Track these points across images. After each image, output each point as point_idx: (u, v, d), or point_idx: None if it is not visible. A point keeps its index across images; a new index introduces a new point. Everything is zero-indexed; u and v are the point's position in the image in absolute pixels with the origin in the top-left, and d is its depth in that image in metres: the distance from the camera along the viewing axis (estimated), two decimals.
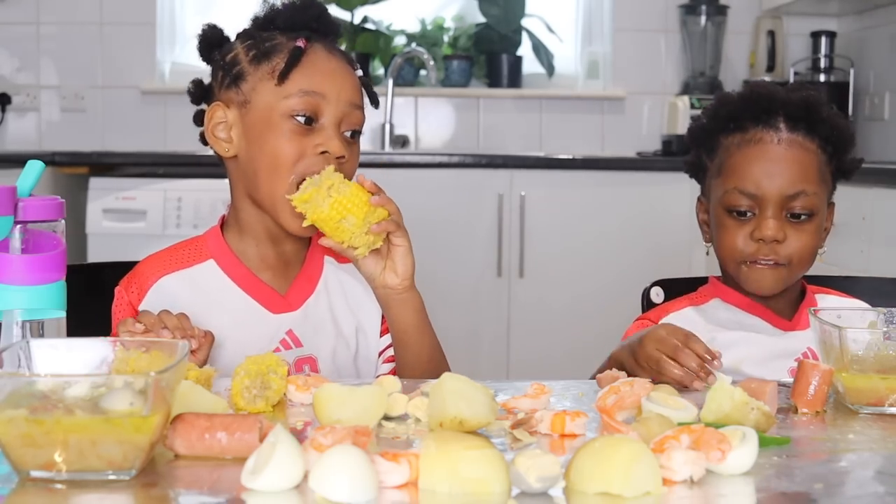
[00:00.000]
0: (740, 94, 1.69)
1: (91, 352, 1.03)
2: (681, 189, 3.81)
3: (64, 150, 3.83)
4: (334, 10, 4.36)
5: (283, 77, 1.49)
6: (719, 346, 1.42)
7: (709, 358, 1.30)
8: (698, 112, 4.16)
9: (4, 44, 4.33)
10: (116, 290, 1.55)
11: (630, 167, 3.88)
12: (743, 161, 1.63)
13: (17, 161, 3.24)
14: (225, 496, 0.88)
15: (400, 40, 4.48)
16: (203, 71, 1.65)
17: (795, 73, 4.25)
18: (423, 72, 4.43)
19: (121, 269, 1.62)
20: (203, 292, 1.52)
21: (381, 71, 4.45)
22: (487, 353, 3.77)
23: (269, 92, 1.50)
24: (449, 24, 4.54)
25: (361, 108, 1.54)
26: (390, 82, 4.28)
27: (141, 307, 1.51)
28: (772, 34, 4.33)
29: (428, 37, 4.48)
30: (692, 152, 1.78)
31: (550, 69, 4.43)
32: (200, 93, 1.61)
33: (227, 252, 1.56)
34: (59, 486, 0.88)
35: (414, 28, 4.49)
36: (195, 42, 1.67)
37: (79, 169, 3.76)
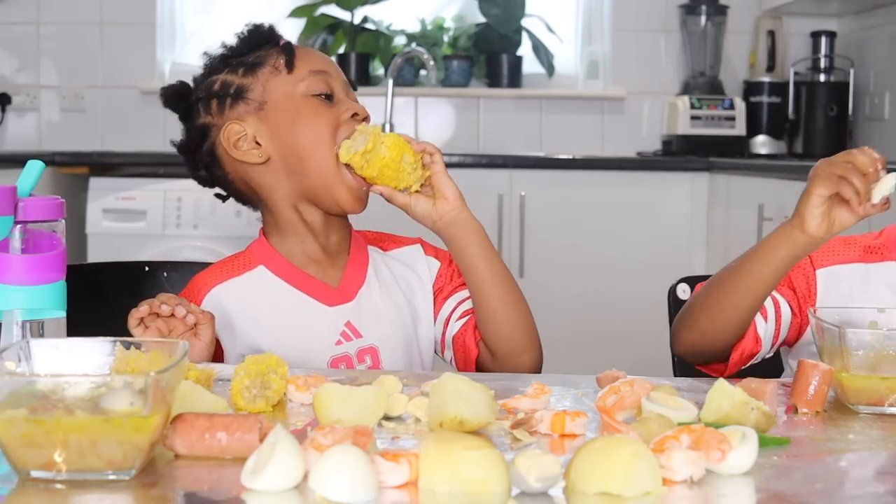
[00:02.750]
0: None
1: (91, 352, 1.03)
2: (681, 189, 3.82)
3: (64, 150, 3.83)
4: (334, 10, 4.36)
5: (290, 65, 1.55)
6: None
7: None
8: (698, 112, 4.16)
9: (4, 44, 4.34)
10: None
11: (630, 167, 3.88)
12: None
13: (17, 161, 3.25)
14: (225, 496, 0.88)
15: (400, 40, 4.48)
16: (199, 71, 1.65)
17: (795, 73, 4.25)
18: (423, 72, 4.43)
19: (121, 269, 1.62)
20: (258, 297, 1.54)
21: (381, 71, 4.45)
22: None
23: (282, 83, 1.54)
24: (449, 24, 4.54)
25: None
26: (390, 82, 4.28)
27: None
28: (772, 34, 4.33)
29: (428, 37, 4.48)
30: None
31: (550, 69, 4.43)
32: (201, 134, 1.60)
33: (275, 255, 1.57)
34: (59, 486, 0.88)
35: (414, 28, 4.49)
36: (201, 43, 1.69)
37: (79, 169, 3.76)
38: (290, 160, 1.53)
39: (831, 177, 1.35)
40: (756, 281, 1.43)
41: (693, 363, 1.56)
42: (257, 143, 1.54)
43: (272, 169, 1.55)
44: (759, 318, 1.49)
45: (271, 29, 1.62)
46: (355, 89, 1.62)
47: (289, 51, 1.56)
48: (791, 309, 1.52)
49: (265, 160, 1.54)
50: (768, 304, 1.49)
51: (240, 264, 1.58)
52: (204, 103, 1.59)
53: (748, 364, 1.53)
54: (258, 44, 1.59)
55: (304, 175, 1.53)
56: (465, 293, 1.60)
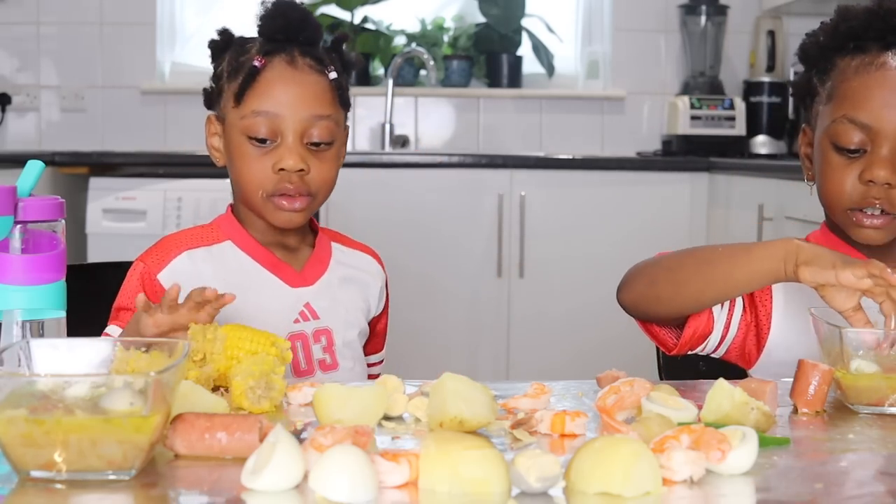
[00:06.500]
0: (866, 10, 1.46)
1: (91, 352, 1.03)
2: (681, 189, 3.82)
3: (64, 150, 3.83)
4: (334, 10, 4.36)
5: (238, 99, 1.55)
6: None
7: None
8: (698, 112, 4.16)
9: (4, 44, 4.33)
10: (134, 262, 1.58)
11: (630, 167, 3.88)
12: (860, 87, 1.42)
13: (17, 161, 3.25)
14: (225, 496, 0.88)
15: (400, 40, 4.48)
16: (201, 71, 1.67)
17: (795, 73, 4.25)
18: (423, 72, 4.43)
19: (121, 270, 1.62)
20: (225, 268, 1.58)
21: (381, 71, 4.45)
22: (487, 353, 3.76)
23: (231, 113, 1.57)
24: (449, 24, 4.53)
25: (327, 116, 1.56)
26: (390, 82, 4.28)
27: (160, 276, 1.54)
28: (772, 34, 4.33)
29: (428, 37, 4.48)
30: (802, 72, 1.54)
31: (550, 69, 4.43)
32: (208, 99, 1.67)
33: (243, 233, 1.61)
34: (59, 486, 0.88)
35: (414, 28, 4.49)
36: (201, 43, 1.70)
37: (79, 169, 3.76)
38: (232, 178, 1.61)
39: (882, 294, 1.24)
40: (730, 284, 1.39)
41: (633, 316, 1.51)
42: (220, 146, 1.62)
43: (230, 173, 1.62)
44: None
45: (289, 25, 1.58)
46: (347, 108, 1.61)
47: (246, 78, 1.54)
48: (744, 304, 1.49)
49: (223, 164, 1.62)
50: None
51: (207, 236, 1.61)
52: (214, 73, 1.64)
53: (697, 349, 1.49)
54: (267, 30, 1.59)
55: (240, 198, 1.61)
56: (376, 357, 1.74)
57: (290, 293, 1.59)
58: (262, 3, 1.62)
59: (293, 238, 1.63)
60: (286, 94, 1.54)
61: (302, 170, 1.53)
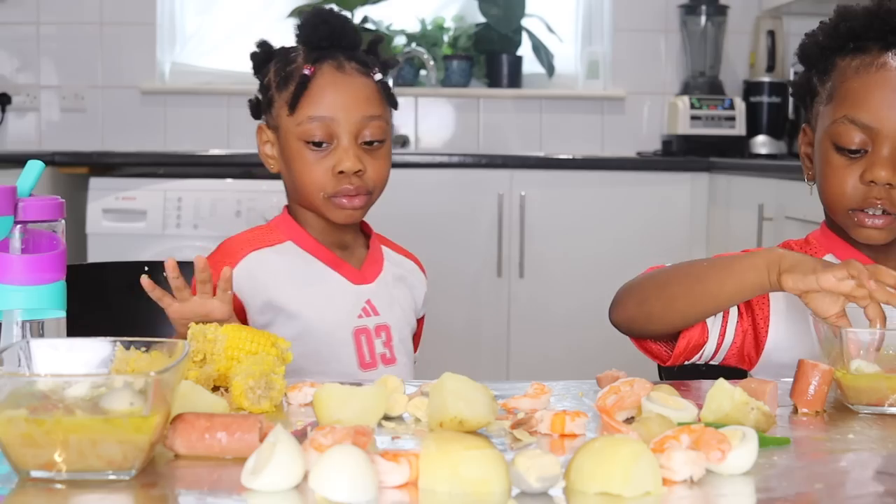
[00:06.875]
0: (866, 10, 1.45)
1: (91, 352, 1.03)
2: (681, 189, 3.82)
3: (64, 150, 3.83)
4: None
5: (291, 107, 1.61)
6: None
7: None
8: (698, 112, 4.16)
9: (4, 44, 4.33)
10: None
11: (630, 167, 3.88)
12: (860, 87, 1.42)
13: (17, 161, 3.25)
14: (225, 496, 0.88)
15: (400, 40, 4.48)
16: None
17: (795, 73, 4.25)
18: (423, 72, 4.43)
19: (121, 269, 1.62)
20: (290, 267, 1.63)
21: None
22: (487, 353, 3.77)
23: (286, 120, 1.63)
24: (449, 24, 4.53)
25: (378, 116, 1.63)
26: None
27: (235, 273, 1.56)
28: (772, 34, 4.33)
29: (428, 37, 4.48)
30: (802, 72, 1.53)
31: (550, 69, 4.43)
32: (255, 109, 1.73)
33: (303, 232, 1.67)
34: (59, 486, 0.88)
35: (414, 28, 4.49)
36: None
37: (79, 169, 3.76)
38: (289, 184, 1.67)
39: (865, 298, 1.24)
40: (718, 298, 1.39)
41: (626, 334, 1.51)
42: (275, 154, 1.67)
43: (285, 178, 1.67)
44: None
45: (332, 33, 1.64)
46: (394, 107, 1.68)
47: (299, 87, 1.60)
48: (740, 310, 1.48)
49: (278, 171, 1.67)
50: None
51: (268, 237, 1.66)
52: (260, 87, 1.69)
53: (692, 359, 1.49)
54: (309, 39, 1.64)
55: (299, 201, 1.66)
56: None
57: (353, 290, 1.65)
58: (299, 11, 1.66)
59: (349, 237, 1.69)
60: (338, 99, 1.61)
61: (359, 170, 1.60)
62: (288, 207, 1.70)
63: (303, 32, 1.65)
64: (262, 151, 1.69)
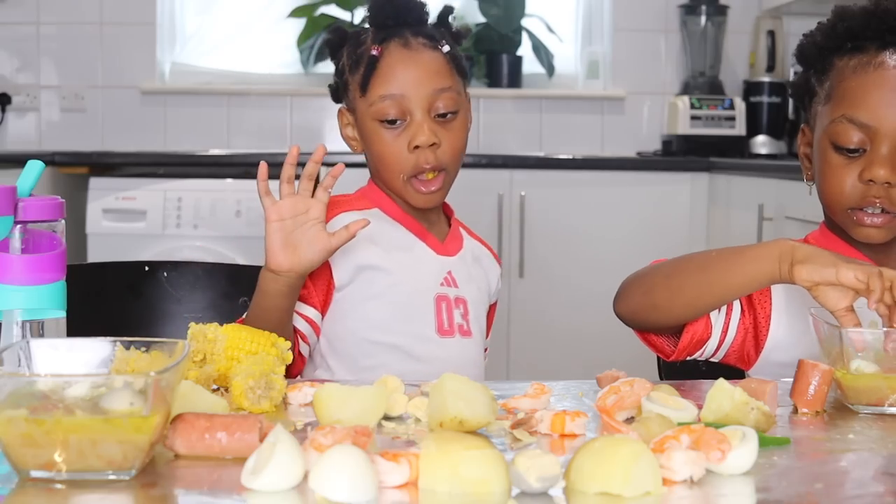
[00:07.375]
0: (863, 9, 1.46)
1: (91, 352, 1.03)
2: (681, 189, 3.82)
3: (64, 150, 3.83)
4: (334, 11, 4.36)
5: (363, 89, 1.64)
6: None
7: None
8: (698, 112, 4.16)
9: (4, 44, 4.34)
10: None
11: (630, 167, 3.88)
12: (858, 86, 1.43)
13: (17, 161, 3.25)
14: (225, 496, 0.88)
15: None
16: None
17: (795, 73, 4.24)
18: None
19: (121, 269, 1.62)
20: (378, 230, 1.64)
21: None
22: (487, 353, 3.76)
23: (360, 102, 1.65)
24: None
25: (449, 88, 1.65)
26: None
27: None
28: (772, 34, 4.33)
29: None
30: (801, 73, 1.55)
31: (550, 69, 4.43)
32: (335, 94, 1.75)
33: (389, 201, 1.69)
34: (59, 486, 0.88)
35: None
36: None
37: (79, 169, 3.76)
38: (370, 163, 1.70)
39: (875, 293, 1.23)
40: (726, 288, 1.39)
41: (630, 327, 1.52)
42: (356, 135, 1.70)
43: (367, 158, 1.70)
44: None
45: (398, 12, 1.65)
46: (464, 77, 1.70)
47: (368, 68, 1.63)
48: (742, 307, 1.49)
49: (360, 151, 1.70)
50: None
51: (356, 202, 1.69)
52: (335, 72, 1.71)
53: (695, 355, 1.49)
54: (376, 20, 1.66)
55: (380, 180, 1.69)
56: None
57: (436, 259, 1.68)
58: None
59: (433, 215, 1.72)
60: (407, 75, 1.63)
61: (434, 143, 1.62)
62: (373, 180, 1.73)
63: (371, 14, 1.68)
64: (343, 134, 1.72)
